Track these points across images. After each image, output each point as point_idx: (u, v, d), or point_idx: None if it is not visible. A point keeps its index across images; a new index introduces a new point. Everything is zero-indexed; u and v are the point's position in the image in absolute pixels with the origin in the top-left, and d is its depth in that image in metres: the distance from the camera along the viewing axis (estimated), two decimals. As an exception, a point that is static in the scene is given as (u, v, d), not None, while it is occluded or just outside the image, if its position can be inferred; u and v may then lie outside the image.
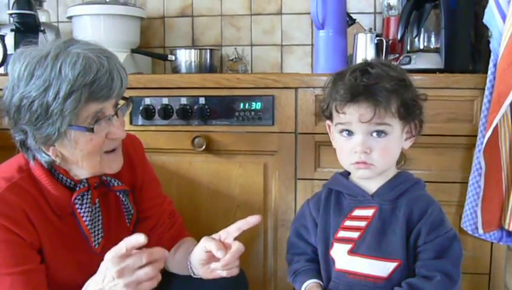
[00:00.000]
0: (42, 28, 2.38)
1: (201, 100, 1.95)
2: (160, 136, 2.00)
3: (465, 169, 1.82)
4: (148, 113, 1.98)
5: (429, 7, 1.97)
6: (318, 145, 1.89)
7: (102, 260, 1.25)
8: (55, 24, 2.80)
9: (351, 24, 2.29)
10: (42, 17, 2.57)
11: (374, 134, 1.23)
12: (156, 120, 1.99)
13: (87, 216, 1.40)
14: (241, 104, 1.94)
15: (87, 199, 1.40)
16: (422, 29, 2.01)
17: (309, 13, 2.50)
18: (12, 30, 2.35)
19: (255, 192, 1.98)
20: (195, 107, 1.95)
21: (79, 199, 1.39)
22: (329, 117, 1.33)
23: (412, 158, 1.85)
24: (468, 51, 1.93)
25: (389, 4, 2.36)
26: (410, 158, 1.84)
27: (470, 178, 1.76)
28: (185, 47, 2.62)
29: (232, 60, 2.65)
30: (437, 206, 1.29)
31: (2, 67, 2.28)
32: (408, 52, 2.05)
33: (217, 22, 2.74)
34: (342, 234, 1.30)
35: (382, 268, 1.25)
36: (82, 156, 1.33)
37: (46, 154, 1.33)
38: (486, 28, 1.83)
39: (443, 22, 1.89)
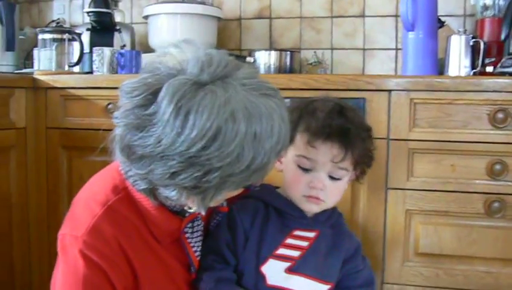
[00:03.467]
0: (118, 28, 2.34)
1: (287, 102, 1.83)
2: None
3: None
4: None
5: (536, 5, 1.83)
6: (412, 153, 1.76)
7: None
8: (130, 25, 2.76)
9: (440, 27, 2.16)
10: (117, 18, 2.54)
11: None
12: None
13: (198, 246, 1.24)
14: (330, 107, 1.82)
15: (197, 225, 1.24)
16: (528, 30, 1.86)
17: (394, 15, 2.47)
18: (88, 29, 2.33)
19: (341, 202, 1.80)
20: (279, 109, 1.83)
21: (189, 227, 1.22)
22: None
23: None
24: None
25: (484, 4, 2.20)
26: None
27: None
28: (263, 49, 2.50)
29: (311, 63, 2.56)
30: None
31: (78, 66, 2.24)
32: (510, 54, 1.88)
33: (296, 24, 2.65)
34: (282, 251, 1.28)
35: (318, 289, 1.29)
36: None
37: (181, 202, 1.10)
38: None
39: (555, 21, 1.74)
